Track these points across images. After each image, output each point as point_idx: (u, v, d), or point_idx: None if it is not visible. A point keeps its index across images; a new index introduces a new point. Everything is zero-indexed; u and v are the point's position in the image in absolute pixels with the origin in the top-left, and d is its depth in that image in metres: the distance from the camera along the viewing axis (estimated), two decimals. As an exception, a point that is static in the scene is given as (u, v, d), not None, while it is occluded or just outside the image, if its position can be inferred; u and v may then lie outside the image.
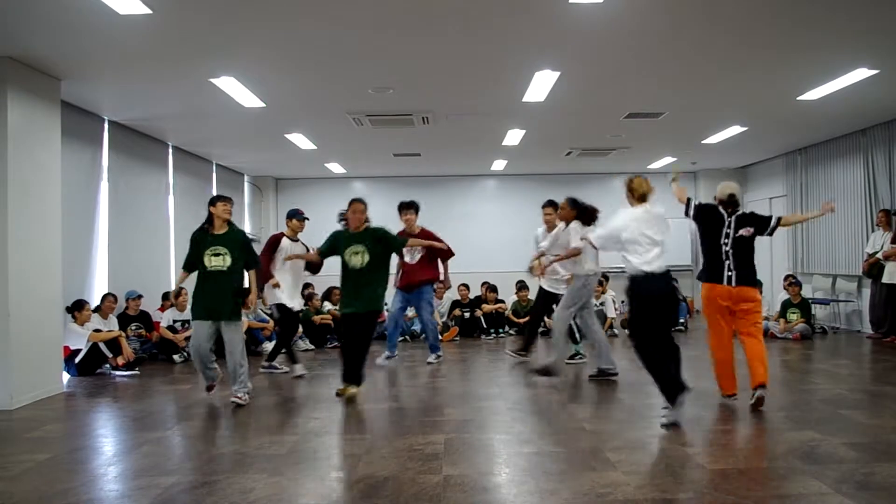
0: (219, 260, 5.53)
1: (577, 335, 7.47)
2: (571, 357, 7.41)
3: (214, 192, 11.35)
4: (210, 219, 5.66)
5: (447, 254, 7.39)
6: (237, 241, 5.67)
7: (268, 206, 13.43)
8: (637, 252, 4.81)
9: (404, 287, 7.63)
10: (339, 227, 6.07)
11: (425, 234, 7.44)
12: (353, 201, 5.99)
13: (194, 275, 5.68)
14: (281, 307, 7.06)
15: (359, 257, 5.83)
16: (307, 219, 7.40)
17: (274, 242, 7.11)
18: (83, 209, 7.67)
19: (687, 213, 5.41)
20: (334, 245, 5.99)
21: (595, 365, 6.64)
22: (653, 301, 4.79)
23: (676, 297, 4.96)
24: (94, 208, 7.93)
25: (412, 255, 7.57)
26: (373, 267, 5.86)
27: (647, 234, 4.84)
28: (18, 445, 4.63)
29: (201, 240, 5.61)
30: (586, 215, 6.58)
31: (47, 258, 6.25)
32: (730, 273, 5.14)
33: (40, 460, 4.20)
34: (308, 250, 6.94)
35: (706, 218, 5.31)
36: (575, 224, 6.59)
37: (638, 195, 5.00)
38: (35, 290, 6.06)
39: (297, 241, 7.23)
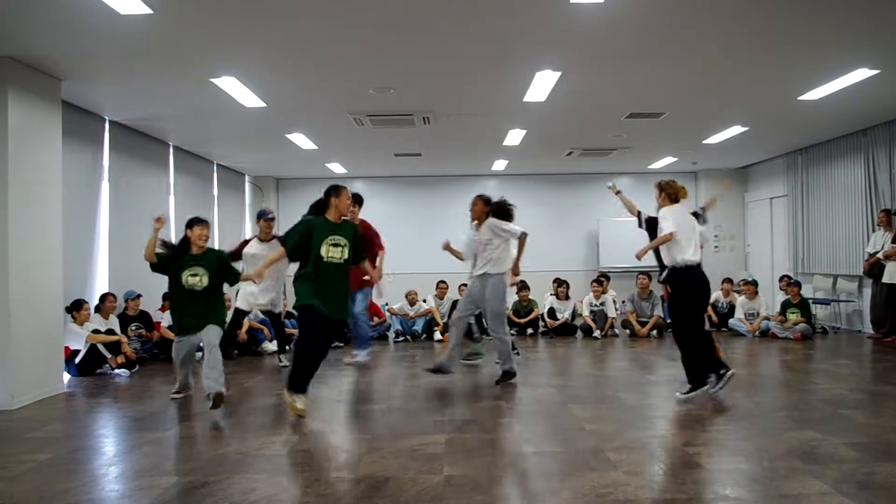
0: (196, 280, 5.62)
1: (478, 334, 7.71)
2: (469, 356, 7.47)
3: (215, 192, 11.40)
4: (187, 242, 5.73)
5: (377, 250, 7.50)
6: (215, 260, 5.75)
7: (269, 207, 13.37)
8: (682, 246, 5.39)
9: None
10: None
11: (365, 227, 7.45)
12: (343, 187, 5.31)
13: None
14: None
15: (339, 251, 5.18)
16: (273, 218, 7.65)
17: (241, 247, 7.53)
18: (84, 209, 7.66)
19: (640, 225, 6.19)
20: (307, 234, 5.15)
21: (500, 369, 6.53)
22: (696, 288, 5.44)
23: (709, 286, 5.58)
24: (94, 208, 7.93)
25: None
26: (347, 266, 5.30)
27: (688, 229, 5.48)
28: (19, 445, 4.62)
29: (179, 258, 5.68)
30: (502, 211, 6.52)
31: (48, 258, 6.25)
32: None
33: (41, 460, 4.20)
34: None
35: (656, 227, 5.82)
36: (491, 221, 6.46)
37: (673, 196, 5.64)
38: (36, 290, 6.06)
39: (269, 240, 7.44)
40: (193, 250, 5.68)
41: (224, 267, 5.82)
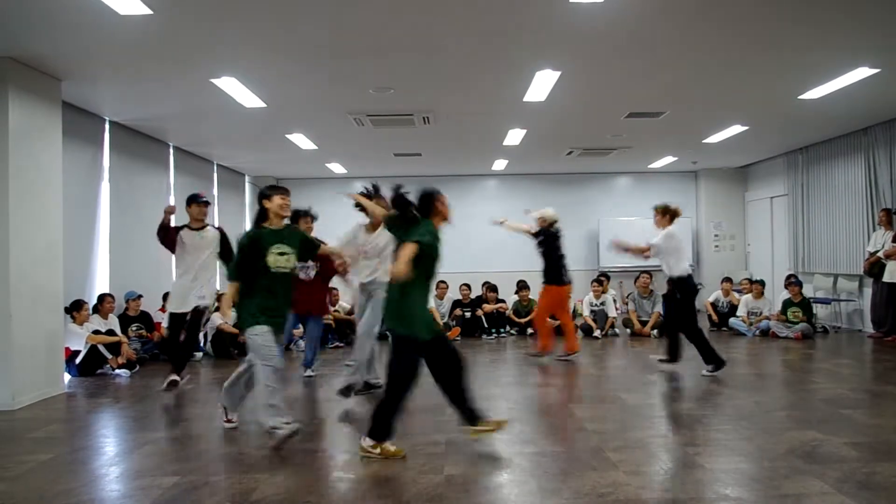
0: (284, 259, 4.64)
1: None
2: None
3: (215, 193, 11.36)
4: (265, 214, 4.72)
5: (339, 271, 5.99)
6: (297, 236, 4.92)
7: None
8: (683, 259, 6.76)
9: (301, 311, 6.58)
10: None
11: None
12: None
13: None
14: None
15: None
16: (208, 203, 6.44)
17: (169, 232, 6.25)
18: (84, 210, 7.66)
19: (538, 238, 7.74)
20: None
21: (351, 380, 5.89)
22: (695, 292, 6.85)
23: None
24: (95, 209, 7.93)
25: (307, 272, 6.66)
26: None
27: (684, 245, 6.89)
28: (20, 445, 4.63)
29: (259, 238, 4.64)
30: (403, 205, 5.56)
31: (48, 258, 6.24)
32: (565, 276, 7.73)
33: (42, 460, 4.20)
34: (221, 239, 6.32)
35: (549, 239, 7.71)
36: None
37: (672, 217, 6.81)
38: (36, 290, 6.06)
39: (202, 229, 6.33)
40: (275, 224, 4.72)
41: (306, 244, 4.99)
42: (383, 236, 5.70)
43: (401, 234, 4.25)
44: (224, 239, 6.50)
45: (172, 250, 6.40)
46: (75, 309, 7.16)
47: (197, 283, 6.37)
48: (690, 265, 6.99)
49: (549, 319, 8.17)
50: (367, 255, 5.88)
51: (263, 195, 4.74)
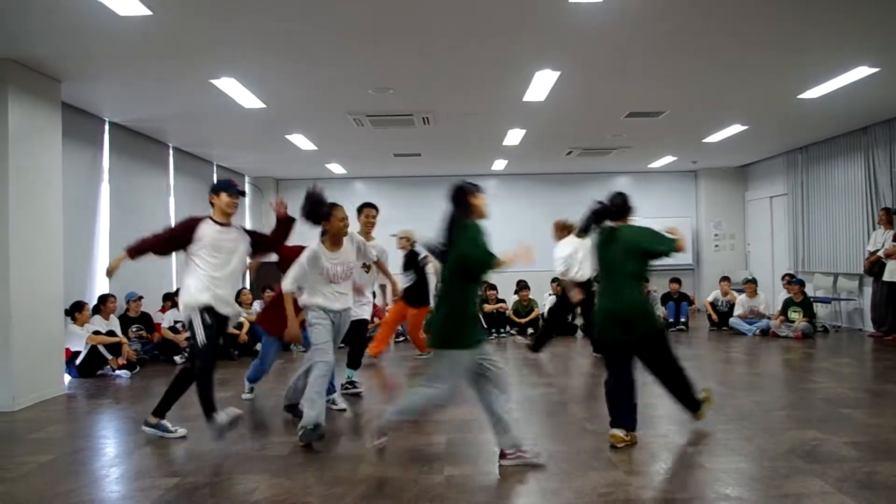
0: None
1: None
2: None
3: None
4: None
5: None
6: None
7: (269, 207, 13.34)
8: (577, 266, 7.49)
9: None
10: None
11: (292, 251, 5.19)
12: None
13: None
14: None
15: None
16: (242, 193, 4.90)
17: (190, 227, 4.62)
18: (84, 211, 7.66)
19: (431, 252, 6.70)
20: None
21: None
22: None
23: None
24: (95, 210, 7.93)
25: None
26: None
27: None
28: (21, 447, 4.63)
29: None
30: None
31: (48, 260, 6.24)
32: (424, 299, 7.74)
33: (42, 461, 4.20)
34: (255, 243, 4.88)
35: (411, 260, 7.78)
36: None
37: (569, 231, 7.63)
38: (36, 291, 6.05)
39: (226, 226, 4.70)
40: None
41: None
42: (349, 251, 4.93)
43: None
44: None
45: (180, 247, 4.67)
46: (76, 310, 7.16)
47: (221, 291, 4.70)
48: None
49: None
50: (336, 279, 4.82)
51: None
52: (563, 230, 7.86)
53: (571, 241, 7.51)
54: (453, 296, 3.91)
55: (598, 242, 4.59)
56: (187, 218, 4.74)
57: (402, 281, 7.44)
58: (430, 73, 6.54)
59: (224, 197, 4.67)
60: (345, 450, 4.43)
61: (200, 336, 4.48)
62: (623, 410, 4.34)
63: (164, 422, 4.79)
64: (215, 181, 4.96)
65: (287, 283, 4.72)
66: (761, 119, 8.98)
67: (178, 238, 4.64)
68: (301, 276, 4.70)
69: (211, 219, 4.65)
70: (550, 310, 9.00)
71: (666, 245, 4.36)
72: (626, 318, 4.32)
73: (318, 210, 4.72)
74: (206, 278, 4.52)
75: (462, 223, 3.89)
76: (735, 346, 8.64)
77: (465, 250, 3.82)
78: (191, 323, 4.53)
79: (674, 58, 6.21)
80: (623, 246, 4.40)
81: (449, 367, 3.89)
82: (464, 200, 3.96)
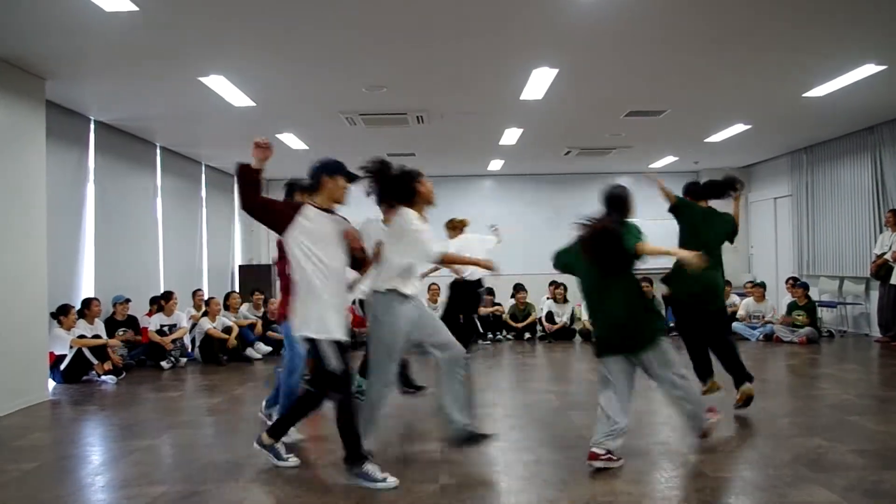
0: None
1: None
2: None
3: (203, 194, 11.27)
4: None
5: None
6: None
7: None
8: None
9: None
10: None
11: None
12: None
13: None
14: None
15: None
16: (356, 178, 4.03)
17: (284, 212, 3.94)
18: (69, 212, 7.57)
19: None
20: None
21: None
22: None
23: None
24: (80, 211, 7.83)
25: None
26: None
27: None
28: (3, 454, 4.57)
29: None
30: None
31: (33, 262, 6.18)
32: None
33: (26, 469, 4.15)
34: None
35: None
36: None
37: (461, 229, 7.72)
38: (20, 294, 5.99)
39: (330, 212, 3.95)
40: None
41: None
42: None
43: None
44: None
45: (278, 228, 3.90)
46: (63, 313, 7.07)
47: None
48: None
49: None
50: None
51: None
52: (455, 228, 7.72)
53: (465, 239, 7.51)
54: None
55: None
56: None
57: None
58: (425, 70, 6.50)
59: (342, 182, 3.91)
60: (337, 457, 4.28)
61: (334, 362, 3.74)
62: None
63: (279, 446, 4.10)
64: (325, 161, 4.02)
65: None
66: (765, 118, 8.92)
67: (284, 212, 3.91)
68: None
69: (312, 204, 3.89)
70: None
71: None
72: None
73: (412, 181, 4.08)
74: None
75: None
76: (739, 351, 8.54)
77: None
78: (315, 344, 3.77)
79: (675, 55, 6.15)
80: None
81: None
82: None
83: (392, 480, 3.69)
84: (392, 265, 4.01)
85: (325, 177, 3.93)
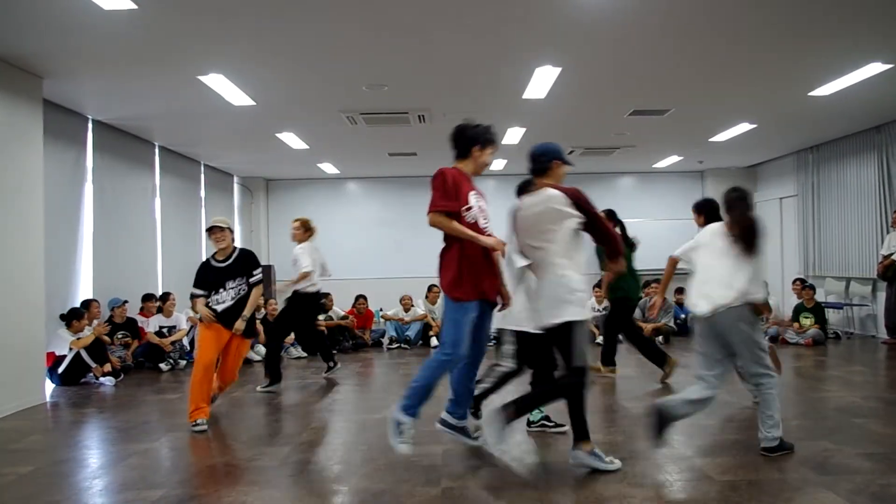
0: None
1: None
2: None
3: (203, 194, 11.26)
4: None
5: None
6: None
7: (258, 209, 13.23)
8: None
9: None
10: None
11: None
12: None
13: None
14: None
15: None
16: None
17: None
18: (67, 212, 7.54)
19: None
20: None
21: None
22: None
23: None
24: (78, 211, 7.79)
25: None
26: None
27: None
28: (0, 458, 4.56)
29: None
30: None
31: (30, 263, 6.17)
32: None
33: (23, 473, 4.14)
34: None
35: None
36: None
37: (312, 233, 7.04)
38: (17, 296, 5.98)
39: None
40: None
41: None
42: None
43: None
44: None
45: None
46: (74, 317, 7.12)
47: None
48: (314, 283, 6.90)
49: None
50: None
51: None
52: (308, 231, 7.05)
53: (311, 246, 6.97)
54: None
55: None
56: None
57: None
58: (427, 69, 6.49)
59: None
60: (338, 461, 4.34)
61: (582, 351, 3.77)
62: None
63: (598, 450, 3.94)
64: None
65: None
66: (770, 117, 8.90)
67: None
68: None
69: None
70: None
71: None
72: None
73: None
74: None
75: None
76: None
77: None
78: (570, 333, 3.77)
79: (679, 53, 6.13)
80: None
81: None
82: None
83: (618, 462, 3.93)
84: None
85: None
